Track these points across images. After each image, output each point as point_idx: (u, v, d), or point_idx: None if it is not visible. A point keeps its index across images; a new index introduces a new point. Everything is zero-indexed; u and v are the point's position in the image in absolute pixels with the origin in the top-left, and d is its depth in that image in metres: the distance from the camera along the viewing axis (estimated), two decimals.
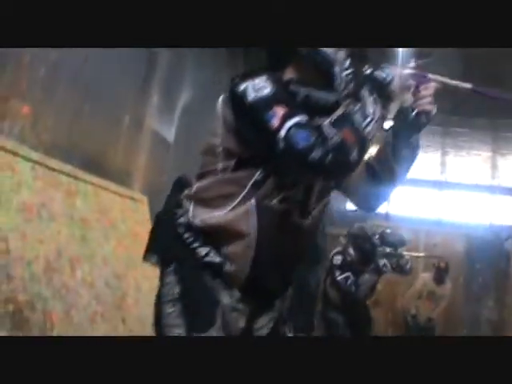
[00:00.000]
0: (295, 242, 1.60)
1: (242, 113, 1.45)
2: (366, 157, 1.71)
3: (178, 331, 1.48)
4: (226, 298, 1.56)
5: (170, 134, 4.76)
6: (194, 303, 1.51)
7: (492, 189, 8.49)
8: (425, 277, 6.84)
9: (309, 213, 1.59)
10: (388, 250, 4.84)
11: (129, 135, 3.95)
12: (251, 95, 1.41)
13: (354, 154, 1.38)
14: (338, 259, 4.81)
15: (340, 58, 1.56)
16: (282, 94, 1.44)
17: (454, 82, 1.56)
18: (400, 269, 4.95)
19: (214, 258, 1.54)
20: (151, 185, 4.07)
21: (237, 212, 1.51)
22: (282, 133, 1.34)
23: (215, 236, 1.54)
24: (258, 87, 1.42)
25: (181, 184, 1.70)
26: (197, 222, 1.56)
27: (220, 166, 1.52)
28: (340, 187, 1.71)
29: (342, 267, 4.76)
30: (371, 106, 1.43)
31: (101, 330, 3.06)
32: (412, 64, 1.57)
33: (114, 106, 3.57)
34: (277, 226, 1.54)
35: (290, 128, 1.35)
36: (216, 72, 4.35)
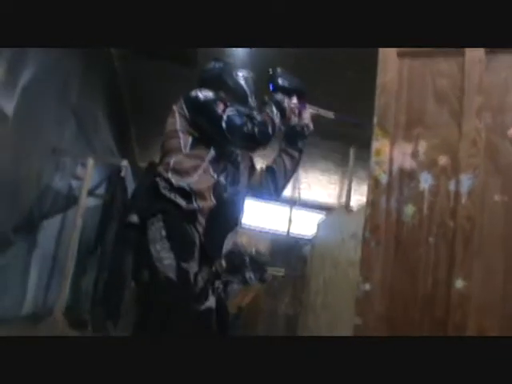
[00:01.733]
0: (228, 213, 2.24)
1: (196, 109, 2.20)
2: (268, 162, 2.53)
3: (168, 262, 1.99)
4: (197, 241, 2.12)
5: (10, 109, 4.66)
6: (178, 242, 2.05)
7: (293, 202, 9.52)
8: None
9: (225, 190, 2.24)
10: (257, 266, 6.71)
11: None
12: (201, 97, 2.21)
13: (270, 130, 2.18)
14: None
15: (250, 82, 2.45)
16: (219, 98, 2.23)
17: (321, 111, 2.42)
18: (262, 280, 6.90)
19: (192, 206, 2.12)
20: None
21: (202, 180, 2.15)
22: (225, 117, 2.12)
23: (189, 194, 2.12)
24: (205, 93, 2.23)
25: (152, 167, 2.35)
26: (178, 184, 2.13)
27: (181, 142, 2.20)
28: (249, 182, 2.45)
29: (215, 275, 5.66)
30: (275, 115, 2.24)
31: None
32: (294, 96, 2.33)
33: None
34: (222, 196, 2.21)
35: (228, 114, 2.13)
36: (57, 58, 4.43)
